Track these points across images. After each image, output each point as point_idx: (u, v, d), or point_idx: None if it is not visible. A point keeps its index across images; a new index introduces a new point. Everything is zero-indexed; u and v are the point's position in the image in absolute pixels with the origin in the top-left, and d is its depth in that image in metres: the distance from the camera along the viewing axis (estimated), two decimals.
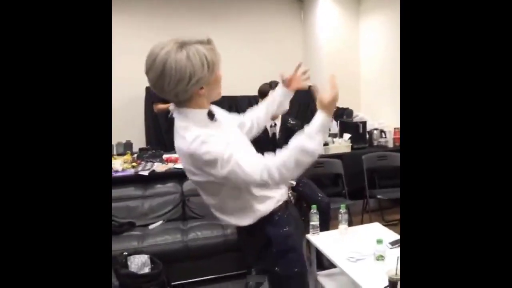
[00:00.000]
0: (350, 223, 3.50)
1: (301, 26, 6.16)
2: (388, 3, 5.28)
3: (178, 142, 1.36)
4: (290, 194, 1.61)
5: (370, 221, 3.70)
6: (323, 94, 1.34)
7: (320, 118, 1.33)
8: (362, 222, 3.93)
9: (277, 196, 1.54)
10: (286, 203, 1.58)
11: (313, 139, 1.30)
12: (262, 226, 1.49)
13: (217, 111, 1.47)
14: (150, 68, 1.26)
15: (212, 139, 1.28)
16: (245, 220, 1.49)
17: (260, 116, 1.74)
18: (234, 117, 1.64)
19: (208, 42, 1.30)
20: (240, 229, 1.59)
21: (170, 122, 4.59)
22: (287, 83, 1.75)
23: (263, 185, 1.34)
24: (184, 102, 1.33)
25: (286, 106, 1.82)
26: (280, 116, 3.20)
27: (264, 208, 1.48)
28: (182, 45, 1.24)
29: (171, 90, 1.26)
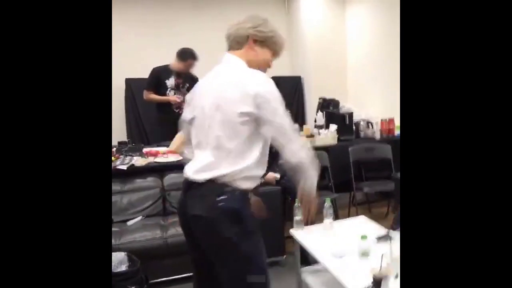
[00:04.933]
0: (337, 217, 3.43)
1: (285, 15, 6.05)
2: None
3: (239, 80, 1.56)
4: None
5: (357, 214, 3.63)
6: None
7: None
8: (349, 215, 3.87)
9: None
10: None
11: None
12: (235, 202, 1.53)
13: None
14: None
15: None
16: (237, 166, 1.54)
17: None
18: None
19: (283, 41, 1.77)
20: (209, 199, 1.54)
21: (158, 113, 4.34)
22: None
23: (290, 148, 1.54)
24: (235, 43, 1.67)
25: None
26: None
27: (256, 173, 1.60)
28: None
29: (240, 26, 1.67)
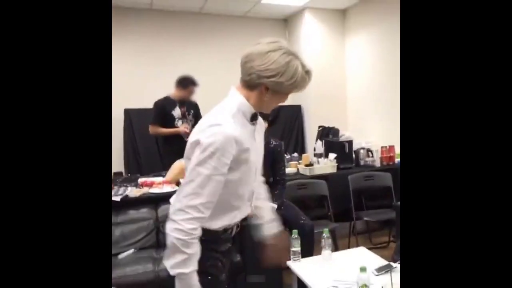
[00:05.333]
0: (337, 247, 3.32)
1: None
2: (373, 21, 5.25)
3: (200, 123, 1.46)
4: None
5: (357, 244, 3.54)
6: None
7: None
8: (349, 245, 3.77)
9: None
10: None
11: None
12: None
13: (260, 123, 1.58)
14: (258, 44, 1.40)
15: (227, 146, 1.33)
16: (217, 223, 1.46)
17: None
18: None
19: (308, 72, 1.44)
20: None
21: (164, 145, 4.26)
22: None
23: (176, 212, 1.33)
24: (247, 86, 1.43)
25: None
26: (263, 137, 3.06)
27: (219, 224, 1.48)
28: (291, 53, 1.40)
29: (255, 68, 1.36)
